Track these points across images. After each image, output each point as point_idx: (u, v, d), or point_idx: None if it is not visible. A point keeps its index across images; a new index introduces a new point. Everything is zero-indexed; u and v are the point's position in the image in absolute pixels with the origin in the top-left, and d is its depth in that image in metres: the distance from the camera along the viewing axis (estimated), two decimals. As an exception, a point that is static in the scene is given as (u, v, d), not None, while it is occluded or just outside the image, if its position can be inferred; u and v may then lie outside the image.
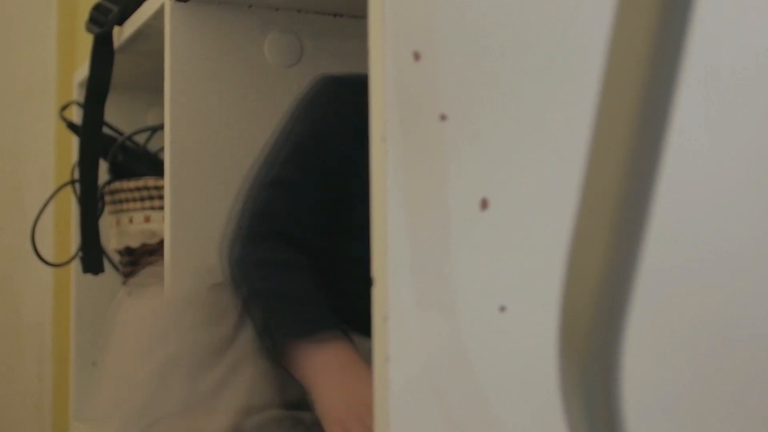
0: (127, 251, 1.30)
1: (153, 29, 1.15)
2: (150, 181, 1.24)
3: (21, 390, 2.07)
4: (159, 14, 1.07)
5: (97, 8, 1.21)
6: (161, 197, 1.23)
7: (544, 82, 0.59)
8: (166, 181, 1.02)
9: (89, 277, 1.38)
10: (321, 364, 0.82)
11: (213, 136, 1.04)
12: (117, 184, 1.29)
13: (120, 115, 1.41)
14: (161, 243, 1.23)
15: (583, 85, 0.59)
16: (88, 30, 1.21)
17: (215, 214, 1.02)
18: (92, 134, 1.25)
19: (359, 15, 1.06)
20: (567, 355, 0.39)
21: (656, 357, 0.60)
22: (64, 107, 1.43)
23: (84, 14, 1.28)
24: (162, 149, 1.37)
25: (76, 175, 1.39)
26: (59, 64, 1.98)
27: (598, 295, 0.39)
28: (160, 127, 1.35)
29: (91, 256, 1.29)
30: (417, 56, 0.56)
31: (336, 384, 0.81)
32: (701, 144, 0.62)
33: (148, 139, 1.37)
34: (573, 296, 0.41)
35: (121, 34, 1.23)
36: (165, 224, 1.02)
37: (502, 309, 0.57)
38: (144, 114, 1.51)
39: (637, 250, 0.37)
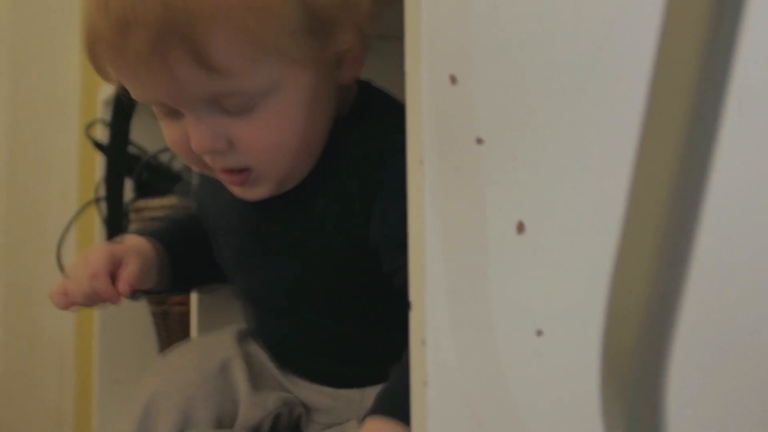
0: (152, 269, 1.30)
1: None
2: (176, 200, 1.25)
3: (41, 403, 2.08)
4: None
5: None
6: (186, 215, 1.23)
7: (580, 103, 0.58)
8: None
9: (113, 293, 1.38)
10: None
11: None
12: (142, 202, 1.29)
13: (142, 133, 1.41)
14: (186, 261, 1.24)
15: (619, 104, 0.59)
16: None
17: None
18: (118, 152, 1.26)
19: (388, 36, 1.06)
20: (609, 378, 0.39)
21: (702, 375, 0.59)
22: (90, 125, 1.43)
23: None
24: (185, 167, 1.38)
25: (100, 193, 1.40)
26: (83, 82, 1.99)
27: (642, 316, 0.38)
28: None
29: (117, 274, 1.29)
30: (453, 79, 0.56)
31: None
32: (737, 155, 0.62)
33: (173, 158, 1.38)
34: (616, 317, 0.40)
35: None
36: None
37: (539, 333, 0.57)
38: (167, 131, 1.51)
39: (684, 270, 0.37)
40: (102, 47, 0.67)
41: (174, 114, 0.71)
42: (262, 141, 0.69)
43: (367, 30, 0.70)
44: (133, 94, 0.70)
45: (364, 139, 0.74)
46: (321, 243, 0.75)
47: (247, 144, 0.69)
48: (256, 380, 0.83)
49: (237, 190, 0.75)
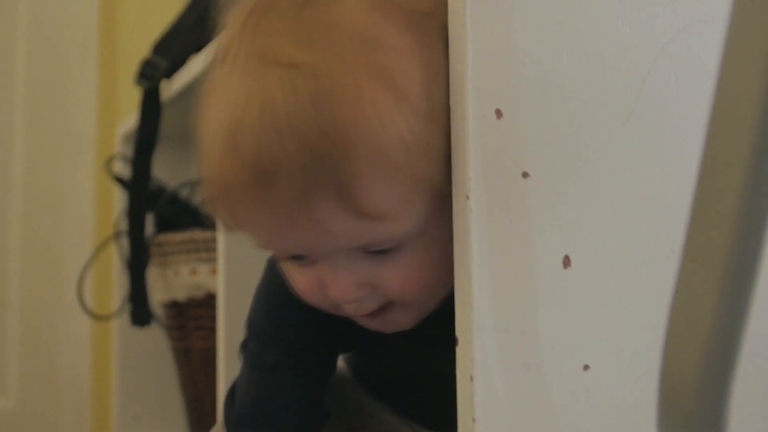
0: (173, 304, 1.30)
1: (202, 84, 1.15)
2: (197, 234, 1.25)
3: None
4: (210, 68, 1.07)
5: (146, 63, 1.22)
6: (208, 250, 1.23)
7: (625, 136, 0.58)
8: (220, 234, 1.02)
9: (131, 330, 1.38)
10: None
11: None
12: (163, 237, 1.29)
13: (161, 167, 1.41)
14: (208, 296, 1.23)
15: (665, 136, 0.59)
16: (138, 84, 1.22)
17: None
18: (141, 187, 1.26)
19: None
20: (667, 413, 0.38)
21: (767, 411, 0.59)
22: (110, 160, 1.43)
23: (124, 67, 1.28)
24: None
25: (119, 228, 1.40)
26: (98, 117, 2.00)
27: (703, 351, 0.38)
28: (206, 180, 1.35)
29: (140, 309, 1.29)
30: (499, 114, 0.56)
31: None
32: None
33: (192, 192, 1.38)
34: (675, 356, 0.40)
35: (170, 87, 1.23)
36: (218, 279, 1.01)
37: (586, 367, 0.56)
38: (186, 166, 1.51)
39: (746, 305, 0.37)
40: (234, 198, 0.58)
41: (303, 259, 0.63)
42: (411, 281, 0.62)
43: None
44: (263, 245, 0.62)
45: None
46: None
47: (393, 286, 0.62)
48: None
49: (375, 325, 0.66)
